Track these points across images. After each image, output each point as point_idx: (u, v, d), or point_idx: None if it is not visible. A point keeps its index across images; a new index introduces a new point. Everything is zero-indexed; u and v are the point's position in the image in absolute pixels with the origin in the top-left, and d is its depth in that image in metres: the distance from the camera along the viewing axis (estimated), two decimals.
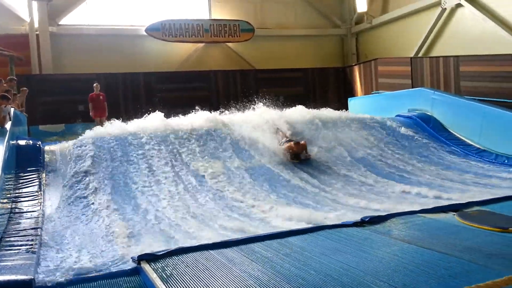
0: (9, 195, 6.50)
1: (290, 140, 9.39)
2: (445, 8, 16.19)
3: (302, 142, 9.29)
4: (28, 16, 16.92)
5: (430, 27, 16.83)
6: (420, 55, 17.28)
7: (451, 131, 11.31)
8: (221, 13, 19.64)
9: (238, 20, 19.35)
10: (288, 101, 12.29)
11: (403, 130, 11.29)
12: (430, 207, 5.84)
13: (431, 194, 7.16)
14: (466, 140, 10.84)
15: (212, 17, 19.48)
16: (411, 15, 18.03)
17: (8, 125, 8.44)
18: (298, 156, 9.06)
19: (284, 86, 18.82)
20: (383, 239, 4.58)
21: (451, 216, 5.39)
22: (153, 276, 3.85)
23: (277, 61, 19.88)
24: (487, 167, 9.16)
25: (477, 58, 13.22)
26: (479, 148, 10.36)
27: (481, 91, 12.46)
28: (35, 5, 16.88)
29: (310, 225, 5.45)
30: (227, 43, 19.62)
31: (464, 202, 6.02)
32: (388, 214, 5.49)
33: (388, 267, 3.73)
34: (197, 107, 10.97)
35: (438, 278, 3.44)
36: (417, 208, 5.88)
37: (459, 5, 15.71)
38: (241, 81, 18.76)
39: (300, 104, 11.98)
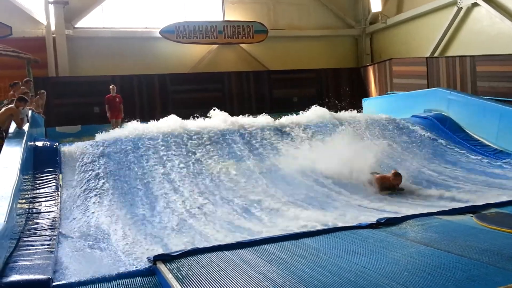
0: (27, 196, 6.59)
1: (375, 172, 8.13)
2: (461, 7, 16.00)
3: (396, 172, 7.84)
4: (45, 19, 17.14)
5: (446, 27, 16.63)
6: (435, 55, 17.09)
7: (467, 131, 11.16)
8: (234, 15, 19.67)
9: (251, 21, 19.37)
10: (302, 102, 12.27)
11: (418, 130, 11.18)
12: (447, 208, 5.77)
13: (448, 196, 7.08)
14: (483, 141, 10.69)
15: (226, 19, 19.52)
16: (427, 14, 17.84)
17: (26, 127, 8.57)
18: (393, 188, 7.75)
19: (298, 87, 18.79)
20: (399, 241, 4.53)
21: (468, 218, 5.32)
22: (169, 276, 3.86)
23: (291, 62, 19.83)
24: (505, 168, 9.02)
25: (494, 58, 13.04)
26: (496, 149, 10.21)
27: (498, 91, 12.29)
28: (51, 8, 17.11)
29: (325, 227, 5.42)
30: (241, 45, 19.64)
31: (481, 203, 5.94)
32: (404, 216, 5.44)
33: (404, 270, 3.69)
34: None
35: (456, 281, 3.40)
36: (433, 209, 5.82)
37: (475, 4, 15.51)
38: (254, 82, 18.77)
39: (314, 105, 11.92)
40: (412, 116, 12.29)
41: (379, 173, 8.16)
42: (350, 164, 8.32)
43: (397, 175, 7.74)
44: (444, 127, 11.42)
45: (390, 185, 7.77)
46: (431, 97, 12.79)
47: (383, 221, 5.15)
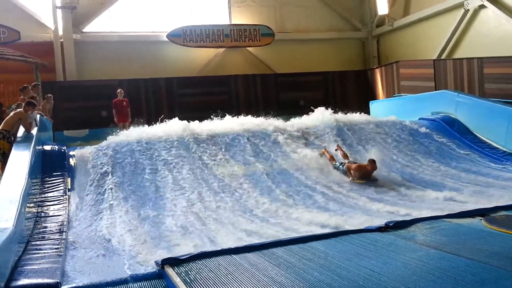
0: (35, 200, 6.63)
1: (354, 162, 8.74)
2: (468, 9, 15.93)
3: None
4: (52, 24, 17.28)
5: (453, 29, 16.57)
6: (443, 57, 17.01)
7: (476, 134, 11.08)
8: (241, 18, 19.71)
9: (258, 24, 19.40)
10: (309, 105, 12.25)
11: (426, 133, 11.12)
12: (456, 211, 5.73)
13: (456, 199, 7.03)
14: (491, 143, 10.61)
15: (232, 22, 19.56)
16: (433, 17, 17.78)
17: (34, 131, 8.62)
18: (368, 177, 8.37)
19: (305, 90, 18.78)
20: (408, 245, 4.51)
21: (477, 221, 5.29)
22: (177, 280, 3.87)
23: (297, 65, 19.83)
24: None
25: (501, 59, 12.95)
26: (505, 151, 10.13)
27: (506, 93, 12.20)
28: (59, 13, 17.23)
29: (333, 230, 5.40)
30: (247, 48, 19.67)
31: (490, 206, 5.90)
32: (412, 219, 5.41)
33: (413, 273, 3.67)
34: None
35: (465, 285, 3.38)
36: (442, 212, 5.78)
37: (482, 6, 15.44)
38: (261, 85, 18.78)
39: (321, 107, 11.87)
40: (420, 119, 12.23)
41: (356, 162, 8.72)
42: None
43: (373, 161, 8.35)
44: (452, 129, 11.35)
45: (366, 173, 8.35)
46: (439, 99, 12.72)
47: (391, 224, 5.13)
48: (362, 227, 5.27)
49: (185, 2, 19.27)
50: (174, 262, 4.25)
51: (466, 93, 12.97)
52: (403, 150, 10.18)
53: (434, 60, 15.80)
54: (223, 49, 19.37)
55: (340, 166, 8.82)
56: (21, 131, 8.52)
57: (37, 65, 15.22)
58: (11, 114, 8.82)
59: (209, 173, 8.42)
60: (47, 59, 16.23)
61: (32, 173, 6.63)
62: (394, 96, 16.65)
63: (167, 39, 18.14)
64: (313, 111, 11.69)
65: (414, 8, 18.93)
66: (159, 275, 4.22)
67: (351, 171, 8.49)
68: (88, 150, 9.10)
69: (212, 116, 10.99)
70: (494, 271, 3.63)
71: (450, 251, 4.18)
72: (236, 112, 11.45)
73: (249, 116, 11.32)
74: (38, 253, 4.80)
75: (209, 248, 4.97)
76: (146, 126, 10.29)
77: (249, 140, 9.81)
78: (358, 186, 8.17)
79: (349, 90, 19.60)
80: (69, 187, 7.69)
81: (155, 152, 8.97)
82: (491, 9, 15.03)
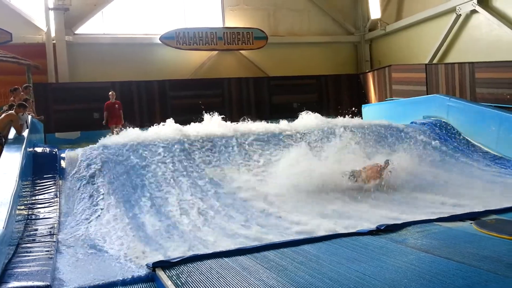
0: (26, 202, 6.58)
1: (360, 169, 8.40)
2: (460, 14, 16.05)
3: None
4: (45, 26, 17.18)
5: (445, 34, 16.69)
6: (434, 61, 17.13)
7: (467, 138, 11.17)
8: (234, 21, 19.74)
9: (251, 28, 19.43)
10: (302, 108, 12.28)
11: (417, 136, 11.18)
12: (447, 215, 5.77)
13: (448, 202, 7.07)
14: (482, 147, 10.71)
15: (226, 25, 19.59)
16: (426, 21, 17.90)
17: (25, 133, 8.57)
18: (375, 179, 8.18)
19: (297, 93, 18.83)
20: (399, 248, 4.53)
21: (468, 225, 5.32)
22: (168, 283, 3.86)
23: (290, 68, 19.87)
24: (504, 175, 9.02)
25: (492, 64, 13.06)
26: (496, 155, 10.22)
27: (497, 98, 12.30)
28: (51, 14, 17.14)
29: (324, 233, 5.41)
30: (241, 51, 19.69)
31: (481, 210, 5.95)
32: (403, 223, 5.43)
33: (404, 277, 3.68)
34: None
35: None
36: (433, 216, 5.81)
37: (474, 11, 15.57)
38: (254, 88, 18.80)
39: (314, 111, 11.90)
40: (412, 123, 12.30)
41: (365, 167, 8.38)
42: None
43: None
44: (443, 133, 11.42)
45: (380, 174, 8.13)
46: (431, 103, 12.81)
47: (383, 227, 5.15)
48: (353, 230, 5.29)
49: (179, 5, 19.26)
50: (165, 265, 4.24)
51: (458, 97, 13.06)
52: (394, 154, 10.21)
53: (426, 64, 15.89)
54: (216, 52, 19.37)
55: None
56: (12, 132, 8.47)
57: (29, 66, 15.12)
58: (2, 116, 8.77)
59: (201, 175, 8.41)
60: (39, 60, 16.14)
61: (23, 175, 6.59)
62: (386, 100, 16.74)
63: (160, 42, 18.11)
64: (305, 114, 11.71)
65: (406, 13, 19.05)
66: (151, 278, 4.21)
67: (376, 173, 8.22)
68: (79, 152, 9.04)
69: (205, 119, 10.99)
70: (484, 274, 3.65)
71: (440, 254, 4.20)
72: (228, 115, 11.44)
73: (242, 119, 11.32)
74: (29, 256, 4.77)
75: (201, 251, 4.96)
76: (138, 128, 10.26)
77: (241, 142, 9.81)
78: (350, 189, 8.16)
79: (341, 93, 19.67)
80: (60, 189, 7.64)
81: (147, 154, 8.94)
82: (483, 14, 15.15)
